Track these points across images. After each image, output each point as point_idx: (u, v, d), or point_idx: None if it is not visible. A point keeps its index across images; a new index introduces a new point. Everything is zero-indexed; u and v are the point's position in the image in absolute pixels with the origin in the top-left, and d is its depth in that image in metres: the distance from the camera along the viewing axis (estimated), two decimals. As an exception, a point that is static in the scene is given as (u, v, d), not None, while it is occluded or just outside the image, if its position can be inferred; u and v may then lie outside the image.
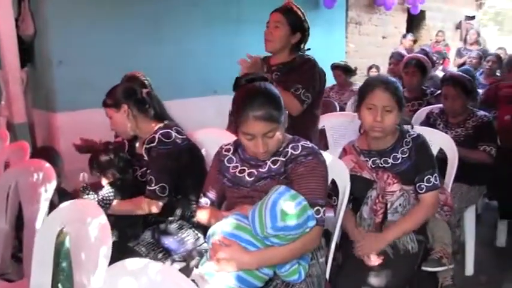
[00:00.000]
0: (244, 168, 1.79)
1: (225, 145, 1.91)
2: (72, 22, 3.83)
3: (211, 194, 1.86)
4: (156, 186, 2.05)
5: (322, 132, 3.13)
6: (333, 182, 1.97)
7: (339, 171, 1.96)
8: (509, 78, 3.47)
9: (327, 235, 1.94)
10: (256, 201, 1.62)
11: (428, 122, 3.04)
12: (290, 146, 1.73)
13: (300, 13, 2.53)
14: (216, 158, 1.90)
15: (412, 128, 2.08)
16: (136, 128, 2.20)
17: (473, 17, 11.01)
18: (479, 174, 2.81)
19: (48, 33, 3.82)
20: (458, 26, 10.73)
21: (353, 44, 7.57)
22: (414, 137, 2.00)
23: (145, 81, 2.71)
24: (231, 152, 1.86)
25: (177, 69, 4.57)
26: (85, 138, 2.61)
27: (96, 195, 2.06)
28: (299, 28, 2.52)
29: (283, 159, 1.71)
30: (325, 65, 4.82)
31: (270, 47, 2.54)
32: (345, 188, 1.91)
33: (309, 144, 1.74)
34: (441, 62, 7.27)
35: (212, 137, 2.42)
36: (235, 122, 1.69)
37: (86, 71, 3.87)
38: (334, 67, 5.01)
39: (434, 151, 2.48)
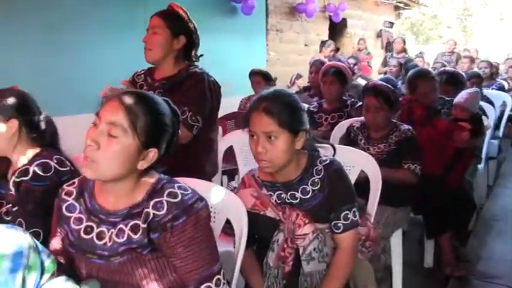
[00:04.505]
0: (92, 224, 1.28)
1: (67, 185, 1.38)
2: None
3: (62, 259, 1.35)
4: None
5: (231, 151, 2.74)
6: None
7: (233, 209, 1.57)
8: (421, 98, 3.15)
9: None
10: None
11: (349, 137, 2.75)
12: (152, 202, 1.23)
13: (182, 13, 2.16)
14: (56, 204, 1.37)
15: (334, 149, 1.71)
16: (12, 150, 1.69)
17: (392, 24, 11.27)
18: (403, 195, 2.54)
19: None
20: (379, 34, 10.91)
21: (274, 51, 7.33)
22: (326, 164, 1.60)
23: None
24: (74, 196, 1.34)
25: (74, 83, 4.01)
26: None
27: None
28: (183, 31, 2.14)
29: (144, 225, 1.22)
30: (245, 74, 4.49)
31: (150, 56, 2.14)
32: (241, 229, 1.53)
33: (177, 194, 1.23)
34: (357, 66, 7.07)
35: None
36: None
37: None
38: (253, 73, 4.69)
39: (356, 173, 2.17)
